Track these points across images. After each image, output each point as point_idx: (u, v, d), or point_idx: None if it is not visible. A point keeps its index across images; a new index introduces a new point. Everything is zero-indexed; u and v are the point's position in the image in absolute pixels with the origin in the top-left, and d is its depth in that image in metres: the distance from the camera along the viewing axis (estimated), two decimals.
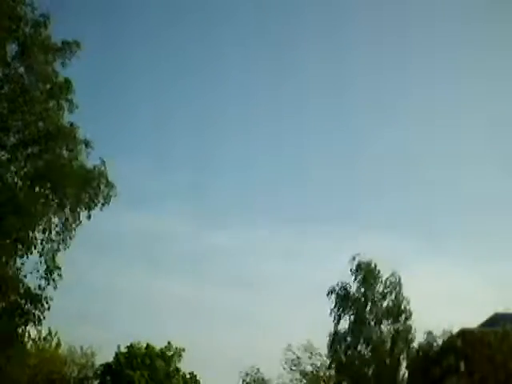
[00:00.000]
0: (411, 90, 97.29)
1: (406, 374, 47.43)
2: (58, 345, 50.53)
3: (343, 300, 47.76)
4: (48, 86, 21.90)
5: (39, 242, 21.16)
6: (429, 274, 65.54)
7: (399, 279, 47.51)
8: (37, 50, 21.39)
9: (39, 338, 46.90)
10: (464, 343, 43.27)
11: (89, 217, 21.92)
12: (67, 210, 21.61)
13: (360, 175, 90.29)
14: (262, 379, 54.49)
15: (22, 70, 21.90)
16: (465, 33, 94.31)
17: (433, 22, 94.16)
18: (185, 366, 60.57)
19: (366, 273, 47.60)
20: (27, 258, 21.29)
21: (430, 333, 46.40)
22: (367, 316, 47.52)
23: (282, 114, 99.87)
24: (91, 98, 72.39)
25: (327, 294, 47.79)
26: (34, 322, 21.24)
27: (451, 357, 44.50)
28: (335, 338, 47.37)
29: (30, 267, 21.25)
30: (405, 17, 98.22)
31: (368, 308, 47.56)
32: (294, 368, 50.74)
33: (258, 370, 54.38)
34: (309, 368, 50.69)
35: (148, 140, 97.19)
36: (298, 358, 50.71)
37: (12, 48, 21.71)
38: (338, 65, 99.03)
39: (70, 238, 21.64)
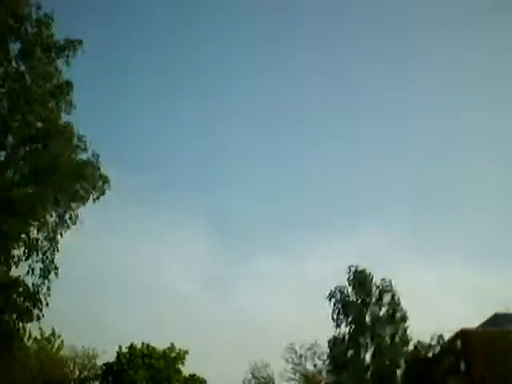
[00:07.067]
0: (411, 90, 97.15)
1: (405, 376, 47.65)
2: (61, 347, 50.35)
3: (341, 305, 48.55)
4: (49, 86, 21.93)
5: (37, 240, 21.15)
6: (428, 274, 65.60)
7: (391, 284, 48.56)
8: (39, 48, 21.44)
9: (42, 337, 47.00)
10: (464, 343, 43.33)
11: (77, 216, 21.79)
12: (63, 205, 21.55)
13: (360, 177, 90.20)
14: (269, 376, 54.65)
15: (23, 68, 21.91)
16: (466, 32, 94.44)
17: (433, 22, 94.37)
18: (189, 367, 60.52)
19: (361, 279, 48.62)
20: (27, 257, 21.39)
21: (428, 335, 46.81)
22: (365, 320, 48.10)
23: (283, 123, 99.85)
24: (93, 98, 72.51)
25: (328, 299, 48.60)
26: (33, 320, 21.23)
27: (451, 357, 44.53)
28: (334, 342, 48.00)
29: (28, 265, 21.29)
30: (405, 16, 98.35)
31: (365, 313, 48.36)
32: (295, 366, 50.95)
33: (267, 365, 54.73)
34: (310, 368, 50.95)
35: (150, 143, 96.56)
36: (301, 356, 50.94)
37: (14, 46, 21.77)
38: (338, 71, 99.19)
39: (61, 236, 21.46)
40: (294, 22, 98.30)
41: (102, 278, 73.74)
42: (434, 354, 46.64)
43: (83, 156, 22.02)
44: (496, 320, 44.88)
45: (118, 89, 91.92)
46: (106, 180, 21.99)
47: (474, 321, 46.67)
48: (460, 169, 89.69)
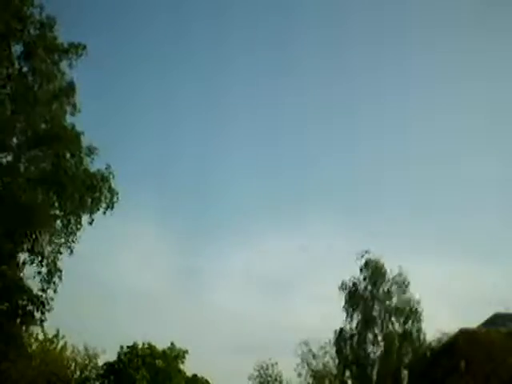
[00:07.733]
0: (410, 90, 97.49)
1: (409, 376, 47.46)
2: (64, 347, 50.28)
3: (352, 297, 47.59)
4: (52, 87, 21.99)
5: (42, 244, 21.43)
6: (427, 273, 65.54)
7: (406, 278, 47.40)
8: (42, 50, 21.55)
9: (45, 340, 46.95)
10: (464, 343, 43.31)
11: (91, 222, 22.08)
12: (70, 214, 21.77)
13: (361, 177, 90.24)
14: (277, 375, 54.07)
15: (25, 69, 22.03)
16: (467, 32, 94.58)
17: (432, 22, 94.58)
18: (190, 367, 60.59)
19: (374, 271, 47.47)
20: (31, 261, 21.49)
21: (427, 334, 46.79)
22: (374, 314, 47.39)
23: (284, 125, 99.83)
24: (96, 102, 72.42)
25: (339, 289, 47.53)
26: (36, 323, 21.57)
27: (451, 357, 44.55)
28: (341, 335, 47.22)
29: (32, 269, 21.52)
30: (404, 18, 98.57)
31: (375, 306, 47.40)
32: (305, 364, 50.32)
33: (275, 363, 53.94)
34: (320, 366, 50.28)
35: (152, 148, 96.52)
36: (314, 355, 50.27)
37: (17, 48, 21.92)
38: (340, 73, 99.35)
39: (73, 242, 21.83)
40: (297, 25, 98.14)
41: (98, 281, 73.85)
42: (433, 354, 46.67)
43: (93, 166, 22.22)
44: (496, 320, 44.95)
45: (113, 92, 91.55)
46: (114, 193, 22.11)
47: (473, 321, 46.67)
48: (460, 169, 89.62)
